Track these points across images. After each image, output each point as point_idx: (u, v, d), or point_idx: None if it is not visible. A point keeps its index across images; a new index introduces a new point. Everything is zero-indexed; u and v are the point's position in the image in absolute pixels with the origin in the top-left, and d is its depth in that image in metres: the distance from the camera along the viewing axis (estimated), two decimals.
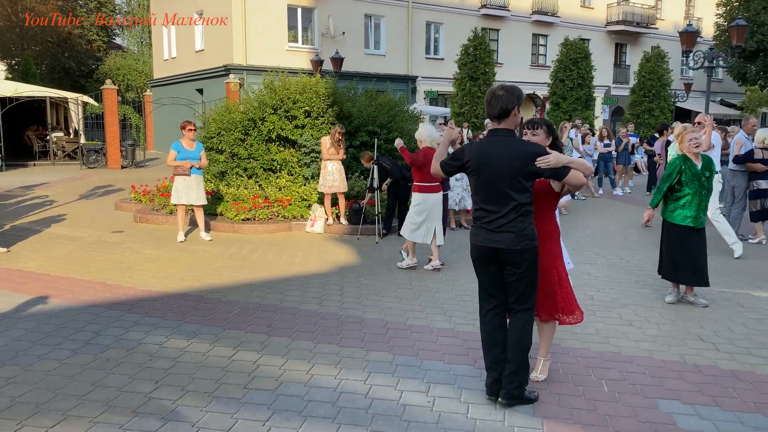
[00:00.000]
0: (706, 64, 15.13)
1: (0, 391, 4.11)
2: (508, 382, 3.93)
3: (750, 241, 9.49)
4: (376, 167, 9.34)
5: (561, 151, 4.21)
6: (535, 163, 3.75)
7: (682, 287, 6.44)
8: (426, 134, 7.71)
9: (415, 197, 7.60)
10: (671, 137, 10.98)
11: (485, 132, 11.84)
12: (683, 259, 6.18)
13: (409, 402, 4.05)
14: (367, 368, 4.58)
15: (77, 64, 36.36)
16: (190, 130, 8.94)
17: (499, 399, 3.96)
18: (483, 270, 4.03)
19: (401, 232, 7.86)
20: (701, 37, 31.14)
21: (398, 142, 7.88)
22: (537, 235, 3.91)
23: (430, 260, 7.77)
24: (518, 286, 3.90)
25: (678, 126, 8.72)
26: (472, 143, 3.98)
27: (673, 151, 8.75)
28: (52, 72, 34.76)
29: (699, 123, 8.44)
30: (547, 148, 4.04)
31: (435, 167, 4.13)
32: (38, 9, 31.87)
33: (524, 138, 4.23)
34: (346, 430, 3.68)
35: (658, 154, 13.14)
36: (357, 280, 7.06)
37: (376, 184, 9.36)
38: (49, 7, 32.53)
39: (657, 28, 35.03)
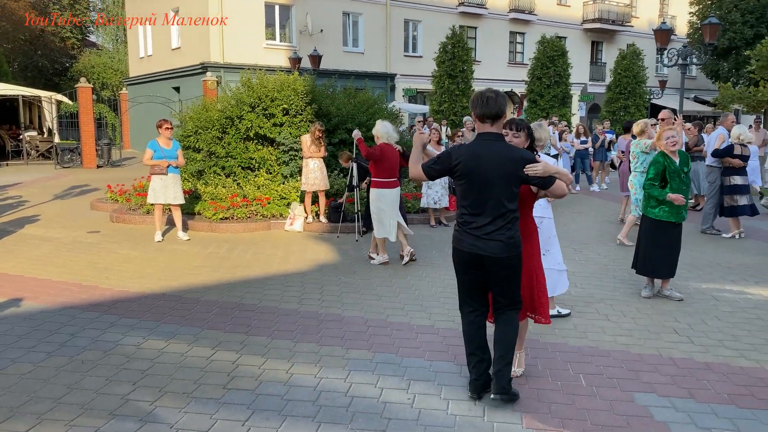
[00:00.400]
0: (680, 61, 15.34)
1: None
2: (500, 377, 3.90)
3: (724, 236, 9.65)
4: (355, 165, 9.33)
5: (536, 152, 4.28)
6: (525, 170, 3.75)
7: (657, 281, 6.54)
8: (383, 130, 7.80)
9: (372, 193, 7.66)
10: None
11: (464, 130, 11.89)
12: (662, 254, 6.28)
13: (389, 399, 4.06)
14: (347, 366, 4.58)
15: (50, 62, 35.80)
16: (167, 128, 8.85)
17: (493, 396, 3.92)
18: (466, 274, 4.01)
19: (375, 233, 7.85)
20: (675, 35, 31.56)
21: (356, 133, 7.99)
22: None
23: (401, 256, 7.79)
24: (505, 287, 3.93)
25: (640, 123, 8.80)
26: (460, 146, 3.91)
27: (637, 149, 8.83)
28: (24, 70, 34.18)
29: (663, 120, 8.51)
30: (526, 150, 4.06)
31: (415, 171, 3.95)
32: (8, 5, 31.29)
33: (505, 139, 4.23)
34: (326, 429, 3.67)
35: (622, 152, 13.26)
36: (337, 279, 7.05)
37: (355, 182, 9.35)
38: (21, 4, 31.95)
39: (632, 26, 35.46)
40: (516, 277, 3.94)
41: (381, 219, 7.58)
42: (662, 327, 5.54)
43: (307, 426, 3.70)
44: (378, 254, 7.78)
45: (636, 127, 8.80)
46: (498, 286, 3.94)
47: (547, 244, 5.42)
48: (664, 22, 16.46)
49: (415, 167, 3.97)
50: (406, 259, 7.66)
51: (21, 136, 22.78)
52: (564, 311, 5.79)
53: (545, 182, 3.80)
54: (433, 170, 3.95)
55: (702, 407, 4.00)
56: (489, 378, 4.02)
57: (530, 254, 4.21)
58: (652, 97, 28.55)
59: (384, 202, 7.55)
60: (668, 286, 6.44)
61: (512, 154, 3.81)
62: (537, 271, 4.27)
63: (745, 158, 9.43)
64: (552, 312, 5.34)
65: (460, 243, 3.94)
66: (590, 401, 4.07)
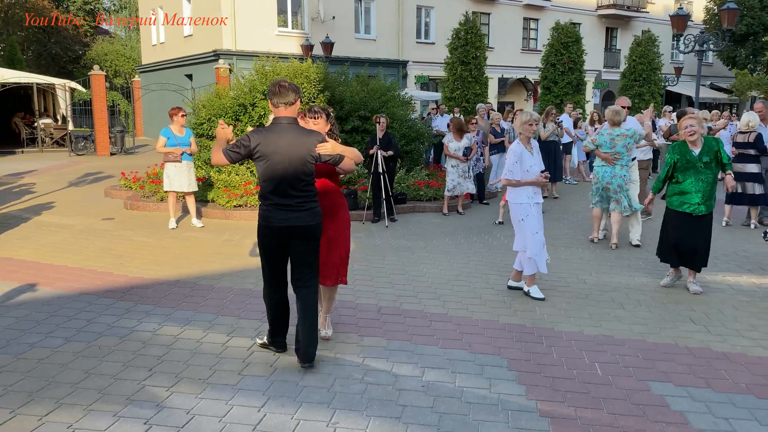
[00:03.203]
0: (697, 47, 15.12)
1: None
2: (310, 345, 4.27)
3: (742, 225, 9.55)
4: (379, 153, 9.36)
5: (336, 139, 4.73)
6: (316, 149, 4.21)
7: (685, 271, 6.42)
8: None
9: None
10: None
11: (477, 116, 11.82)
12: (682, 244, 6.15)
13: (404, 386, 4.06)
14: (362, 353, 4.58)
15: (64, 50, 35.92)
16: (182, 116, 8.86)
17: (304, 364, 4.27)
18: (276, 251, 4.30)
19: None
20: (692, 20, 31.07)
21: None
22: (328, 207, 4.57)
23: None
24: (310, 258, 4.33)
25: (609, 110, 7.95)
26: (258, 130, 4.21)
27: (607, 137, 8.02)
28: (38, 58, 34.35)
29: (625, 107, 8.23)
30: (326, 135, 4.49)
31: (217, 157, 4.19)
32: None
33: (307, 126, 4.57)
34: (341, 415, 3.69)
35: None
36: (350, 266, 7.02)
37: (380, 169, 9.39)
38: None
39: (647, 12, 34.97)
40: (318, 247, 4.41)
41: None
42: (678, 316, 5.49)
43: (322, 412, 3.72)
44: None
45: (617, 117, 7.82)
46: (304, 258, 4.30)
47: (514, 228, 6.01)
48: (681, 8, 16.22)
49: (216, 154, 4.22)
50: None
51: (36, 124, 22.93)
52: (536, 294, 5.93)
53: (335, 159, 4.31)
54: (233, 153, 4.19)
55: (719, 397, 3.97)
56: None
57: (345, 224, 4.79)
58: (667, 84, 28.19)
59: None
60: (693, 278, 6.28)
61: (305, 135, 4.24)
62: (348, 237, 4.84)
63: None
64: (518, 284, 6.12)
65: (270, 220, 4.21)
66: (606, 390, 4.05)
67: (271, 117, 7.74)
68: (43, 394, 3.90)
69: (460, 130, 10.36)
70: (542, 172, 5.93)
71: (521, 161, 5.84)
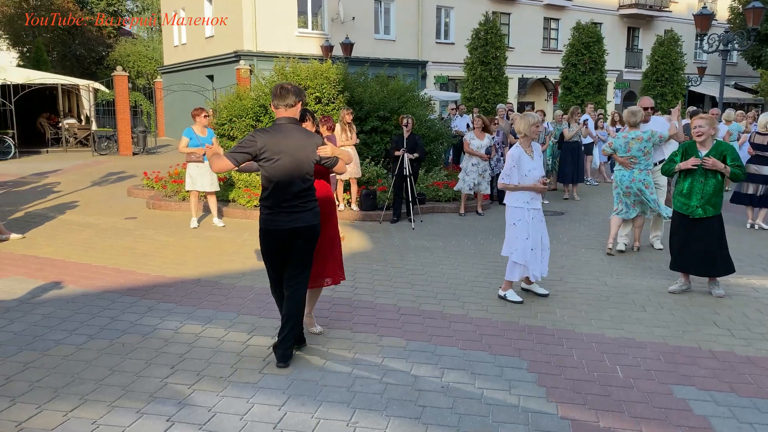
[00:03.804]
0: (721, 47, 14.92)
1: (19, 376, 4.17)
2: (288, 343, 4.38)
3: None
4: (406, 155, 9.36)
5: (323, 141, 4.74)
6: (317, 151, 4.30)
7: (694, 278, 6.32)
8: None
9: None
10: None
11: (497, 117, 11.77)
12: (686, 248, 6.01)
13: (423, 387, 4.07)
14: (381, 353, 4.60)
15: (87, 51, 36.40)
16: (205, 116, 8.95)
17: (282, 364, 4.33)
18: (281, 253, 4.34)
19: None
20: (716, 20, 30.65)
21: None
22: (323, 206, 4.65)
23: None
24: (308, 258, 4.42)
25: (626, 112, 7.61)
26: (260, 132, 4.20)
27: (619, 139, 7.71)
28: (63, 59, 34.85)
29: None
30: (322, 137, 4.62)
31: (220, 163, 4.11)
32: None
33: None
34: (361, 415, 3.70)
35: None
36: (369, 266, 7.07)
37: (406, 172, 9.38)
38: None
39: (670, 11, 34.53)
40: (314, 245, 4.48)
41: None
42: (701, 319, 5.43)
43: (342, 412, 3.73)
44: None
45: (633, 118, 7.51)
46: (301, 258, 4.36)
47: (506, 231, 5.90)
48: (704, 7, 16.01)
49: (219, 160, 4.14)
50: None
51: (60, 124, 23.29)
52: (512, 297, 5.88)
53: (331, 161, 4.42)
54: (239, 155, 4.15)
55: (744, 401, 3.92)
56: None
57: (336, 222, 4.91)
58: (690, 84, 27.84)
59: None
60: (715, 282, 6.14)
61: (308, 137, 4.32)
62: (338, 235, 4.95)
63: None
64: (500, 293, 5.97)
65: (275, 223, 4.23)
66: (627, 393, 4.02)
67: None
68: (68, 390, 3.97)
69: (485, 129, 10.34)
70: (542, 177, 5.76)
71: (519, 165, 5.70)
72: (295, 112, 4.35)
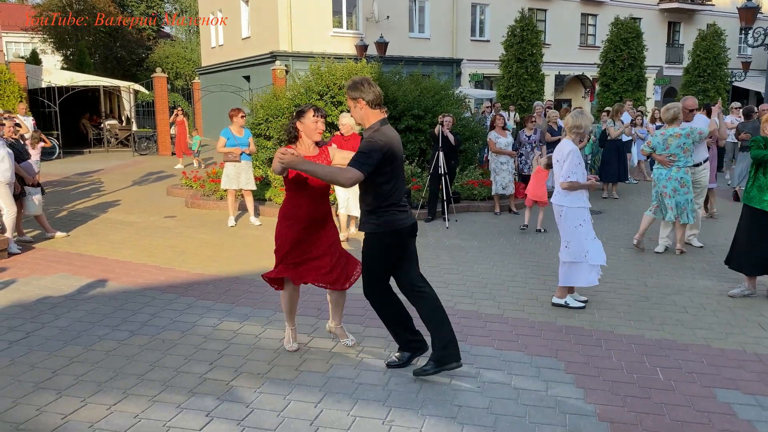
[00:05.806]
0: (767, 41, 14.46)
1: (64, 370, 4.30)
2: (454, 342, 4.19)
3: None
4: (441, 153, 9.31)
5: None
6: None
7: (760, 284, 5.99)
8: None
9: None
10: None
11: (534, 115, 11.64)
12: (762, 249, 5.68)
13: (459, 387, 4.05)
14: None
15: (128, 53, 37.28)
16: (242, 117, 9.08)
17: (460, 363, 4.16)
18: (397, 254, 4.17)
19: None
20: (761, 13, 29.69)
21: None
22: (328, 211, 4.55)
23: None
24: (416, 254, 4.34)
25: (671, 109, 7.33)
26: (378, 133, 3.92)
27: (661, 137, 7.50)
28: (104, 61, 35.75)
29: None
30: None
31: (349, 174, 3.76)
32: (90, 0, 32.74)
33: (318, 126, 4.40)
34: (396, 414, 3.70)
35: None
36: None
37: (441, 171, 9.33)
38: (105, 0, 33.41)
39: (713, 5, 33.62)
40: None
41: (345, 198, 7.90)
42: (746, 321, 5.28)
43: (377, 410, 3.75)
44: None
45: (666, 114, 7.34)
46: (414, 256, 4.28)
47: (566, 235, 5.50)
48: (749, 0, 15.52)
49: (343, 172, 3.79)
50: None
51: (102, 125, 23.89)
52: (574, 303, 5.60)
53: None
54: (366, 165, 3.81)
55: None
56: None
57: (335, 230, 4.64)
58: (734, 79, 27.04)
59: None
60: None
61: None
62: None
63: None
64: (560, 302, 5.62)
65: (404, 221, 4.09)
66: (668, 396, 3.93)
67: (343, 119, 7.80)
68: (112, 385, 4.07)
69: (503, 127, 10.26)
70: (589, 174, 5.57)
71: (580, 162, 5.55)
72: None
